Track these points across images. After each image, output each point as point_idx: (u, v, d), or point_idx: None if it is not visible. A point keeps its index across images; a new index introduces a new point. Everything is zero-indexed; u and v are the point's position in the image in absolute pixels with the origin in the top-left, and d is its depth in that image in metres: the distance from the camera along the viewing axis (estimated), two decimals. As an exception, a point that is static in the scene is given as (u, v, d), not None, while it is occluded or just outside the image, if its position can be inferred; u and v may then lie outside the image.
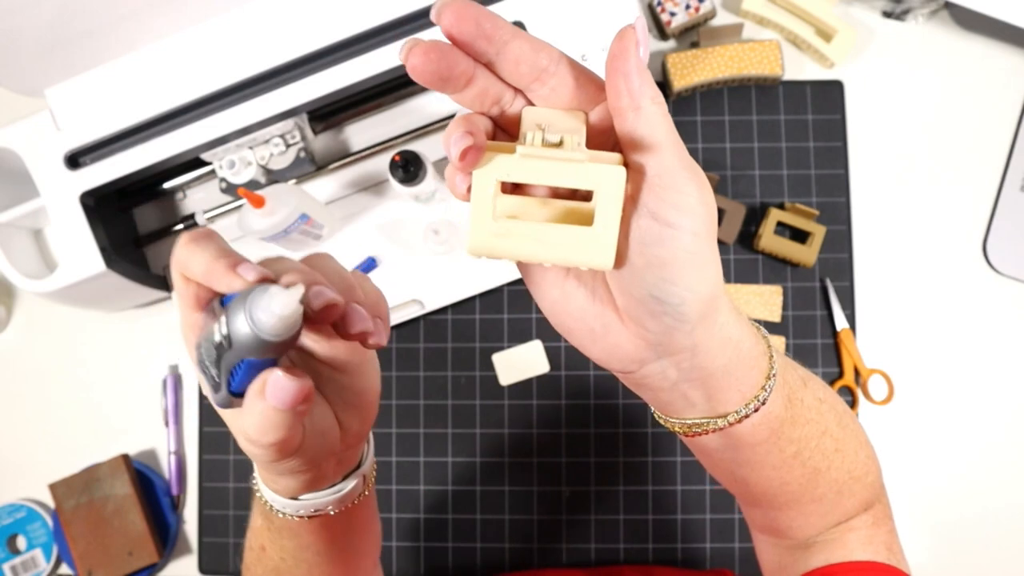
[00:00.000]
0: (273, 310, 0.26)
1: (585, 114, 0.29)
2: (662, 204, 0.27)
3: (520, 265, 0.31)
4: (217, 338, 0.27)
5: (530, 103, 0.29)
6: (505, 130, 0.30)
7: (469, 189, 0.27)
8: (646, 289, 0.28)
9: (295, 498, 0.38)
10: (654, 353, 0.31)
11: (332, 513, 0.39)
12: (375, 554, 0.49)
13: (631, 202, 0.27)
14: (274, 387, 0.27)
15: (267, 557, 0.43)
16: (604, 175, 0.26)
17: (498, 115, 0.29)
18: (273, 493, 0.37)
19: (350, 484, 0.39)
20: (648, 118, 0.26)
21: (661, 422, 0.36)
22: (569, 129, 0.28)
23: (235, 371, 0.28)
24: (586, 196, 0.28)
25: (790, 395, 0.37)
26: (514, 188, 0.29)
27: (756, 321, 0.78)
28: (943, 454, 0.76)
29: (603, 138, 0.29)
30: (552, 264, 0.28)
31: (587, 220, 0.27)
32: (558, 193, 0.29)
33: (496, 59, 0.27)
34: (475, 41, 0.27)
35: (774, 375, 0.34)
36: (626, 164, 0.28)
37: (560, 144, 0.27)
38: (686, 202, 0.27)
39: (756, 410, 0.34)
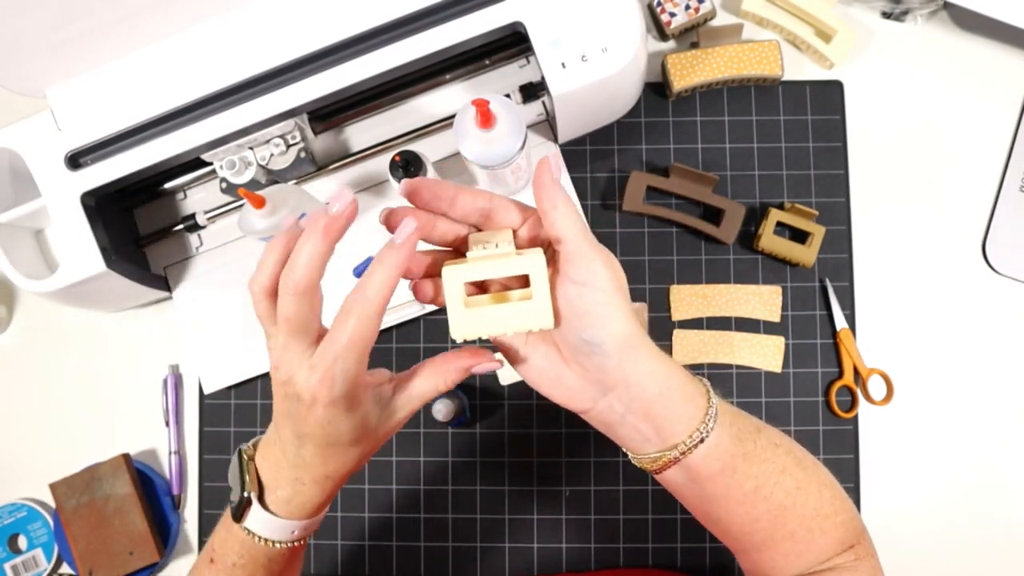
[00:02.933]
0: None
1: (512, 231, 0.40)
2: (577, 271, 0.38)
3: (502, 349, 0.43)
4: None
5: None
6: (463, 253, 0.41)
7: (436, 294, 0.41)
8: (576, 335, 0.39)
9: (299, 520, 0.44)
10: (599, 389, 0.41)
11: (300, 544, 0.46)
12: None
13: (558, 275, 0.39)
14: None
15: None
16: (529, 260, 0.38)
17: (460, 244, 0.42)
18: (277, 519, 0.44)
19: (327, 508, 0.47)
20: (561, 217, 0.38)
21: (635, 463, 0.44)
22: (500, 240, 0.40)
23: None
24: (526, 286, 0.40)
25: (739, 434, 0.43)
26: (478, 290, 0.41)
27: (756, 321, 0.78)
28: (943, 454, 0.76)
29: (534, 243, 0.41)
30: (513, 332, 0.39)
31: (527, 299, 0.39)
32: (508, 287, 0.41)
33: (449, 210, 0.41)
34: (430, 202, 0.40)
35: (713, 412, 0.42)
36: (553, 251, 0.40)
37: (496, 249, 0.39)
38: (593, 267, 0.38)
39: (702, 440, 0.41)
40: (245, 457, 0.45)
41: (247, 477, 0.44)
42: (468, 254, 0.39)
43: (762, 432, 0.45)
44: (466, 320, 0.39)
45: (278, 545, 0.44)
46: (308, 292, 0.38)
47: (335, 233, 0.38)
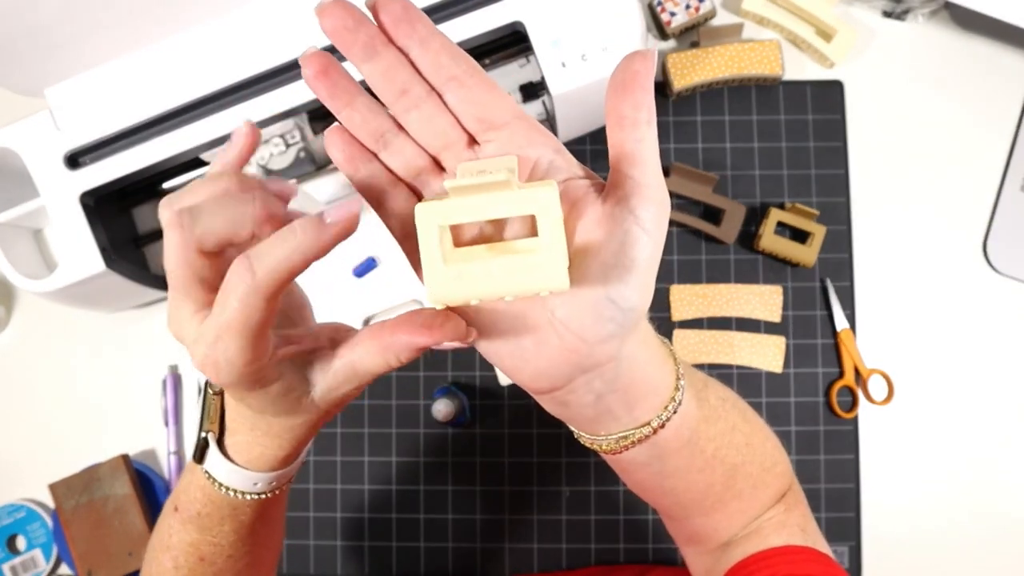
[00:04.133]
0: None
1: (516, 158, 0.30)
2: (646, 211, 0.29)
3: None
4: None
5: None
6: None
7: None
8: (605, 291, 0.29)
9: (266, 472, 0.38)
10: (578, 367, 0.31)
11: (269, 496, 0.39)
12: (279, 550, 0.50)
13: (620, 205, 0.29)
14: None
15: (196, 550, 0.42)
16: (538, 195, 0.27)
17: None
18: (235, 468, 0.37)
19: (301, 458, 0.40)
20: (652, 134, 0.29)
21: (586, 443, 0.36)
22: (498, 168, 0.29)
23: None
24: (532, 234, 0.29)
25: (697, 394, 0.38)
26: (466, 239, 0.30)
27: (756, 321, 0.78)
28: (943, 454, 0.76)
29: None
30: (513, 297, 0.28)
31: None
32: (505, 236, 0.30)
33: (418, 50, 0.30)
34: (394, 26, 0.29)
35: (682, 374, 0.35)
36: (611, 173, 0.30)
37: (490, 177, 0.27)
38: (662, 213, 0.29)
39: (675, 411, 0.35)
40: (210, 391, 0.38)
41: (207, 415, 0.38)
42: (448, 184, 0.27)
43: (708, 385, 0.40)
44: (448, 279, 0.28)
45: (241, 496, 0.38)
46: (211, 255, 0.30)
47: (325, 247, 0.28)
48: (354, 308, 0.77)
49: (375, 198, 0.31)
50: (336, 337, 0.33)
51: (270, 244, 0.27)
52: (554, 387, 0.32)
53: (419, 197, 0.32)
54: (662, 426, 0.34)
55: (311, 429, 0.35)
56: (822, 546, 0.45)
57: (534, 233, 0.29)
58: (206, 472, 0.38)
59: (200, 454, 0.38)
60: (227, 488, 0.38)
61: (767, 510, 0.45)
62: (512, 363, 0.32)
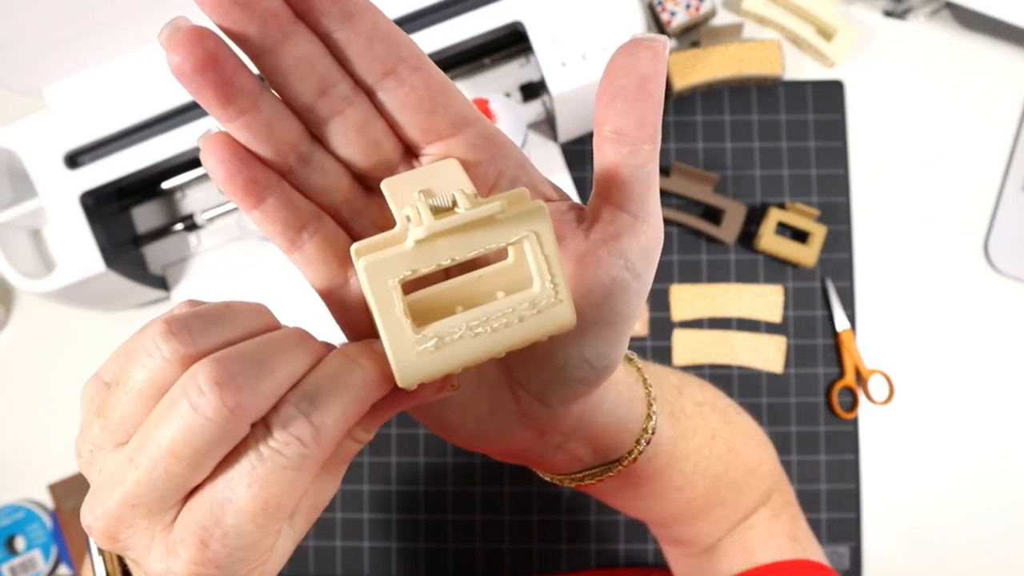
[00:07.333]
0: None
1: (456, 160, 0.23)
2: (641, 253, 0.23)
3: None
4: None
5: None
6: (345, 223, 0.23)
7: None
8: (579, 350, 0.23)
9: None
10: (539, 430, 0.26)
11: None
12: None
13: (608, 245, 0.23)
14: None
15: None
16: (530, 218, 0.21)
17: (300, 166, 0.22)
18: None
19: None
20: (656, 155, 0.22)
21: (547, 479, 0.32)
22: (452, 183, 0.22)
23: None
24: (484, 261, 0.23)
25: (672, 411, 0.34)
26: (411, 285, 0.22)
27: (756, 321, 0.78)
28: (944, 454, 0.75)
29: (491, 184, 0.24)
30: (513, 349, 0.22)
31: (511, 283, 0.22)
32: (449, 272, 0.23)
33: (342, 32, 0.20)
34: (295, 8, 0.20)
35: (654, 399, 0.31)
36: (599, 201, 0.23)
37: (454, 205, 0.21)
38: (656, 251, 0.23)
39: (647, 443, 0.30)
40: (101, 553, 0.29)
41: (106, 566, 0.29)
42: (420, 233, 0.20)
43: (684, 393, 0.36)
44: (420, 351, 0.20)
45: None
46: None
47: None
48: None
49: (292, 238, 0.22)
50: None
51: (332, 386, 0.20)
52: (496, 449, 0.27)
53: (347, 231, 0.24)
54: (633, 461, 0.30)
55: None
56: (813, 551, 0.44)
57: (500, 258, 0.23)
58: None
59: None
60: None
61: (752, 514, 0.43)
62: (447, 427, 0.25)
